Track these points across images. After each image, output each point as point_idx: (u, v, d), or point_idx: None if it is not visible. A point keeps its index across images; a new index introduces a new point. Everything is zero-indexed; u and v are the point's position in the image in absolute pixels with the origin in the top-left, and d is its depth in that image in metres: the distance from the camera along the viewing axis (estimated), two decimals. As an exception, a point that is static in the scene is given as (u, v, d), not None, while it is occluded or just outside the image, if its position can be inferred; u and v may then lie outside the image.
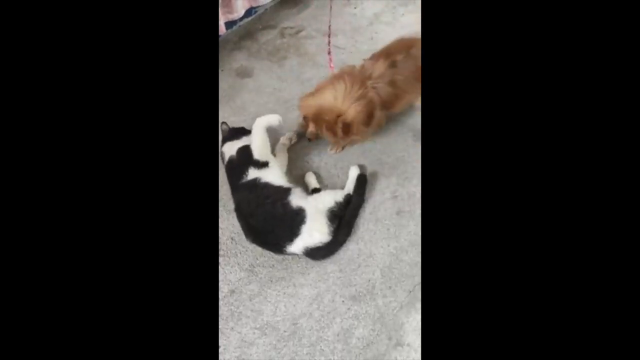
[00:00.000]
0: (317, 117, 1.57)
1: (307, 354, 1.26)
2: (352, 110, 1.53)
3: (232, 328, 1.32)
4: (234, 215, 1.50)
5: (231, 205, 1.53)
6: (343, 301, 1.36)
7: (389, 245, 1.48)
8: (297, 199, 1.44)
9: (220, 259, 1.46)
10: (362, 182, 1.58)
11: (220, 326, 1.31)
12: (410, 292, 1.37)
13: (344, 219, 1.47)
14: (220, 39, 2.16)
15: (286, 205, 1.42)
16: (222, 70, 2.14)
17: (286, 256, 1.45)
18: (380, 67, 1.62)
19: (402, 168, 1.71)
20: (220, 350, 1.27)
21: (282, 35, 2.35)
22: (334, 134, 1.57)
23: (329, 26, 1.92)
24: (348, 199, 1.52)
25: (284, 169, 1.66)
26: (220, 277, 1.42)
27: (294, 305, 1.36)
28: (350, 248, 1.48)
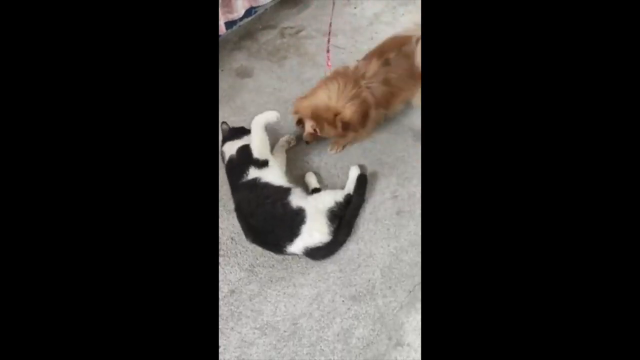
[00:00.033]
0: (316, 115, 1.57)
1: (307, 354, 1.26)
2: (348, 110, 1.54)
3: (232, 328, 1.32)
4: (234, 215, 1.50)
5: (231, 205, 1.53)
6: (343, 301, 1.36)
7: (389, 245, 1.48)
8: (297, 199, 1.44)
9: (220, 259, 1.46)
10: (362, 182, 1.58)
11: (220, 326, 1.31)
12: (410, 292, 1.37)
13: (344, 219, 1.47)
14: (220, 39, 2.16)
15: (286, 205, 1.42)
16: (222, 70, 2.14)
17: (286, 256, 1.45)
18: (373, 66, 1.62)
19: (402, 168, 1.71)
20: (220, 350, 1.27)
21: (282, 35, 2.35)
22: (335, 127, 1.56)
23: (330, 24, 1.91)
24: (348, 199, 1.52)
25: (283, 168, 1.66)
26: (220, 277, 1.42)
27: (294, 305, 1.36)
28: (350, 248, 1.48)
